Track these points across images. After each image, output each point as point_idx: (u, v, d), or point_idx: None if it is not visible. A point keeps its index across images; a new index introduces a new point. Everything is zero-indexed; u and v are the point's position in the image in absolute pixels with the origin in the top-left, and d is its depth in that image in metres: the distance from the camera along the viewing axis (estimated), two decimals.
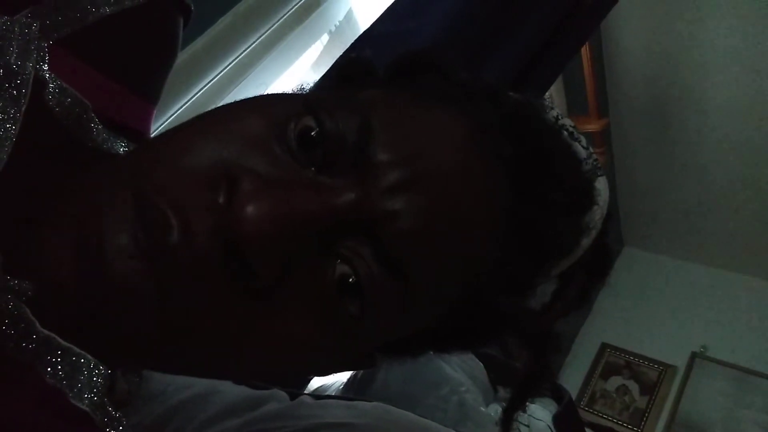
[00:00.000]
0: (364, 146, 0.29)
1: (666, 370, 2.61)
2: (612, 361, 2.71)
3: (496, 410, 0.85)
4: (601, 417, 2.55)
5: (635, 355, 2.69)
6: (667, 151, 2.40)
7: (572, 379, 2.61)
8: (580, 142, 0.63)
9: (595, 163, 0.64)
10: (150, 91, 0.40)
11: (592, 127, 1.82)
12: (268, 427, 0.41)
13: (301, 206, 0.27)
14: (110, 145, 0.35)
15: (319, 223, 0.28)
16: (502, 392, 0.92)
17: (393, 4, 0.91)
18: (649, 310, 2.72)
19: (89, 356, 0.28)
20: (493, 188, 0.33)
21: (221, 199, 0.26)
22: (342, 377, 0.88)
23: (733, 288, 2.70)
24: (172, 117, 0.76)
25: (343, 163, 0.29)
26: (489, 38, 0.89)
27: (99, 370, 0.28)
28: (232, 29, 0.81)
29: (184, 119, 0.31)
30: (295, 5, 0.89)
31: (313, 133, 0.29)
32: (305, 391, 0.61)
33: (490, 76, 0.90)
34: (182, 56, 0.59)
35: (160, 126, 0.72)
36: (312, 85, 0.39)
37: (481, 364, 0.92)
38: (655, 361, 2.64)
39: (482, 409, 0.84)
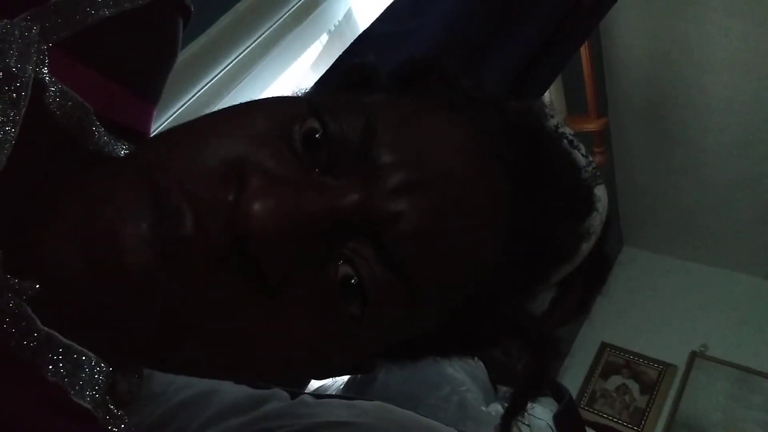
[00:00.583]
0: (367, 148, 0.30)
1: (666, 369, 2.60)
2: (612, 361, 2.70)
3: (496, 409, 0.85)
4: (601, 416, 2.55)
5: (635, 354, 2.68)
6: (667, 151, 2.40)
7: (572, 378, 2.61)
8: (579, 150, 0.64)
9: (594, 171, 0.64)
10: (150, 91, 0.41)
11: (592, 126, 1.81)
12: (270, 426, 0.41)
13: (305, 206, 0.27)
14: (111, 148, 0.35)
15: (323, 223, 0.28)
16: (503, 391, 0.92)
17: (393, 3, 0.91)
18: (648, 310, 2.72)
19: (90, 354, 0.28)
20: (496, 192, 0.33)
21: (231, 196, 0.27)
22: (342, 377, 0.88)
23: (733, 287, 2.70)
24: (172, 117, 0.76)
25: (347, 164, 0.30)
26: (489, 38, 0.89)
27: (100, 367, 0.28)
28: (232, 29, 0.80)
29: (184, 119, 0.31)
30: (295, 5, 0.89)
31: (317, 135, 0.30)
32: (306, 391, 0.61)
33: (490, 75, 0.90)
34: (182, 56, 0.59)
35: (160, 126, 0.72)
36: (312, 85, 0.39)
37: (482, 363, 0.92)
38: (655, 361, 2.64)
39: (483, 408, 0.84)
